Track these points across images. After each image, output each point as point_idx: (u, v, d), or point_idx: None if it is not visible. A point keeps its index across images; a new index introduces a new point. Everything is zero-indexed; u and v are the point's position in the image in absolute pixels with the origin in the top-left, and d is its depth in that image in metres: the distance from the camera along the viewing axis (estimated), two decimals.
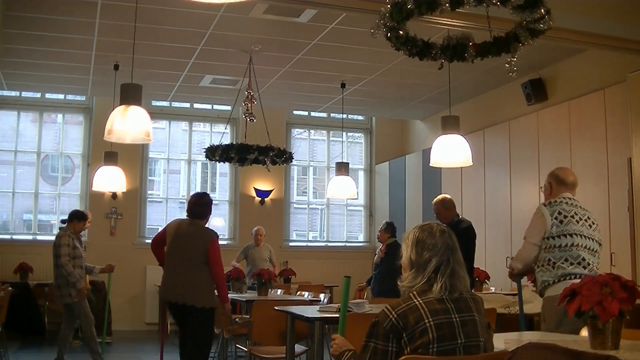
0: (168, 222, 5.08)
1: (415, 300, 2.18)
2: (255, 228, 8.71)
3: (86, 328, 6.09)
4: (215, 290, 4.81)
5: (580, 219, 3.78)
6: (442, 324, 2.15)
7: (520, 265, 3.95)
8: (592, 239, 3.78)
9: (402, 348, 2.13)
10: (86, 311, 6.08)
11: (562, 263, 3.68)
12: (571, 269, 3.65)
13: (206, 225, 5.01)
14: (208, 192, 5.35)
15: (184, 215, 5.07)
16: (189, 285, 4.69)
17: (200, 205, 4.91)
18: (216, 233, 4.91)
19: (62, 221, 6.45)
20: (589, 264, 3.68)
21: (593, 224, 3.83)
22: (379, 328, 2.16)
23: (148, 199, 10.27)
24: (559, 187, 3.95)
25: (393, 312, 2.16)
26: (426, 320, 2.14)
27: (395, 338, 2.13)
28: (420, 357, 2.11)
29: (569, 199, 3.86)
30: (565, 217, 3.74)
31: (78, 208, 9.59)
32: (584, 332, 2.55)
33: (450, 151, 6.04)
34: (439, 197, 5.82)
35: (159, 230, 5.11)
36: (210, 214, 5.01)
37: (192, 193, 5.92)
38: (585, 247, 3.73)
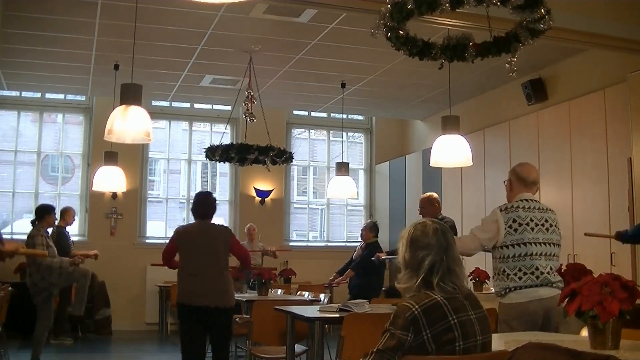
0: (175, 231, 4.97)
1: (437, 297, 2.18)
2: (249, 225, 9.05)
3: (40, 329, 6.11)
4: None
5: (537, 225, 3.67)
6: (464, 322, 2.17)
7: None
8: (550, 244, 3.69)
9: (424, 342, 2.12)
10: (49, 314, 6.12)
11: (515, 274, 3.61)
12: (522, 282, 3.59)
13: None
14: (207, 191, 5.37)
15: (184, 214, 5.09)
16: (219, 288, 4.74)
17: (208, 205, 4.93)
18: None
19: (32, 222, 6.38)
20: (542, 273, 3.60)
21: (551, 226, 3.72)
22: (399, 318, 2.14)
23: (148, 199, 10.27)
24: (518, 186, 3.84)
25: (416, 306, 2.14)
26: (450, 318, 2.15)
27: (415, 330, 2.11)
28: (420, 358, 2.12)
29: (527, 201, 3.75)
30: (520, 224, 3.63)
31: (78, 208, 9.63)
32: (584, 332, 2.55)
33: (450, 151, 6.04)
34: (427, 193, 6.14)
35: (167, 242, 5.00)
36: (215, 212, 5.05)
37: (194, 193, 5.85)
38: (541, 254, 3.64)
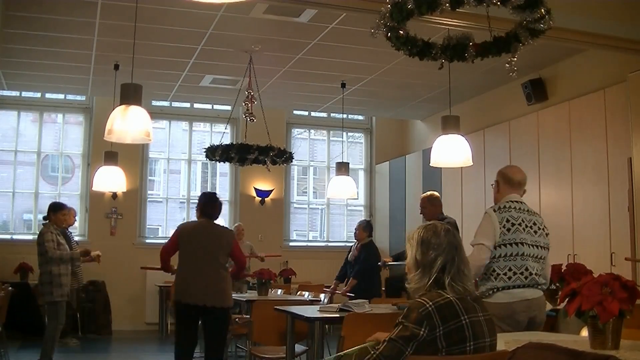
0: (178, 227, 5.01)
1: (449, 296, 2.19)
2: (237, 224, 8.99)
3: (51, 330, 6.00)
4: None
5: (527, 226, 3.70)
6: (474, 322, 2.18)
7: (472, 273, 3.83)
8: (537, 246, 3.71)
9: (436, 339, 2.12)
10: (60, 315, 6.02)
11: (505, 274, 3.61)
12: (511, 282, 3.60)
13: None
14: (215, 192, 5.38)
15: (184, 214, 5.10)
16: (216, 287, 4.74)
17: (215, 206, 5.00)
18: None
19: (44, 218, 6.40)
20: (530, 274, 3.62)
21: (539, 229, 3.75)
22: (412, 313, 2.15)
23: (148, 199, 10.27)
24: (505, 187, 3.89)
25: (430, 302, 2.16)
26: (462, 318, 2.16)
27: (428, 325, 2.12)
28: (427, 358, 2.12)
29: (516, 202, 3.79)
30: (513, 224, 3.66)
31: (78, 208, 9.63)
32: (584, 332, 2.55)
33: (451, 151, 6.03)
34: (427, 192, 6.06)
35: (169, 237, 5.02)
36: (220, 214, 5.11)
37: (196, 193, 5.89)
38: (530, 255, 3.66)
